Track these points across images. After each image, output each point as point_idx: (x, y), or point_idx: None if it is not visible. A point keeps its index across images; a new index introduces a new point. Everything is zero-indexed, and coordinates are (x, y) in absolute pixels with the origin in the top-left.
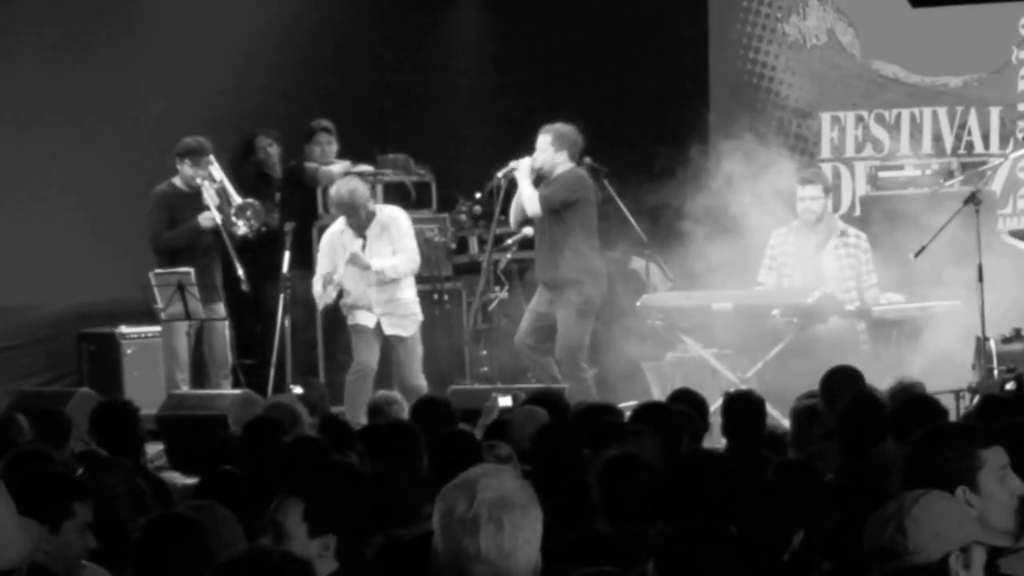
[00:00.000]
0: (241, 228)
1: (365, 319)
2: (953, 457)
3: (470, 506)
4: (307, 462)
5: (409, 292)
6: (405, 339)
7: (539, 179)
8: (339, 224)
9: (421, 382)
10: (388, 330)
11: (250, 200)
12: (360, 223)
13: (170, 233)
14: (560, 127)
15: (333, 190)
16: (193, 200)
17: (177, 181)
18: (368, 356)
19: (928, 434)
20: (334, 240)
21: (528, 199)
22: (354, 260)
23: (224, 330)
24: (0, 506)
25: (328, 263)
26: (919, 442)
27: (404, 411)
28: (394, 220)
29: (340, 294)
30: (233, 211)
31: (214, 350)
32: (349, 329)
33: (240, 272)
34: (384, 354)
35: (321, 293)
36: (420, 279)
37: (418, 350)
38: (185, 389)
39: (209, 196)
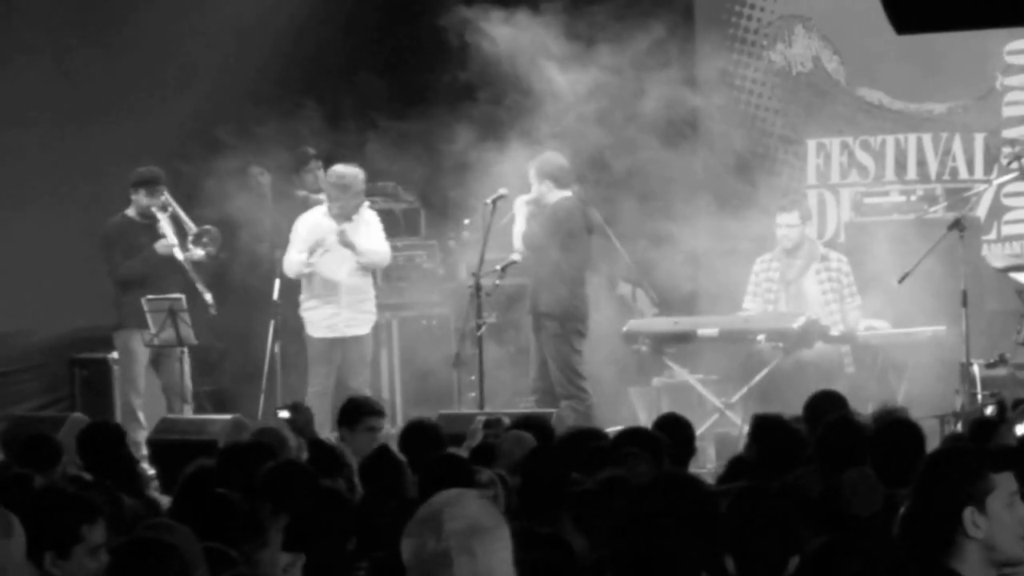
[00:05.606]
0: (198, 254)
1: (320, 330)
2: (964, 477)
3: (439, 539)
4: (295, 485)
5: (373, 290)
6: (361, 337)
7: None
8: (319, 210)
9: (358, 384)
10: (348, 331)
11: (207, 227)
12: (349, 209)
13: (128, 263)
14: (541, 157)
15: (338, 169)
16: (148, 230)
17: (131, 212)
18: (326, 378)
19: (942, 454)
20: (314, 222)
21: (516, 236)
22: (342, 236)
23: (182, 357)
24: (14, 540)
25: (306, 244)
26: (932, 460)
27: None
28: (372, 217)
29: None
30: (191, 238)
31: (172, 378)
32: (305, 341)
33: (207, 297)
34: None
35: (305, 260)
36: (409, 305)
37: (369, 351)
38: (140, 416)
39: (165, 224)
